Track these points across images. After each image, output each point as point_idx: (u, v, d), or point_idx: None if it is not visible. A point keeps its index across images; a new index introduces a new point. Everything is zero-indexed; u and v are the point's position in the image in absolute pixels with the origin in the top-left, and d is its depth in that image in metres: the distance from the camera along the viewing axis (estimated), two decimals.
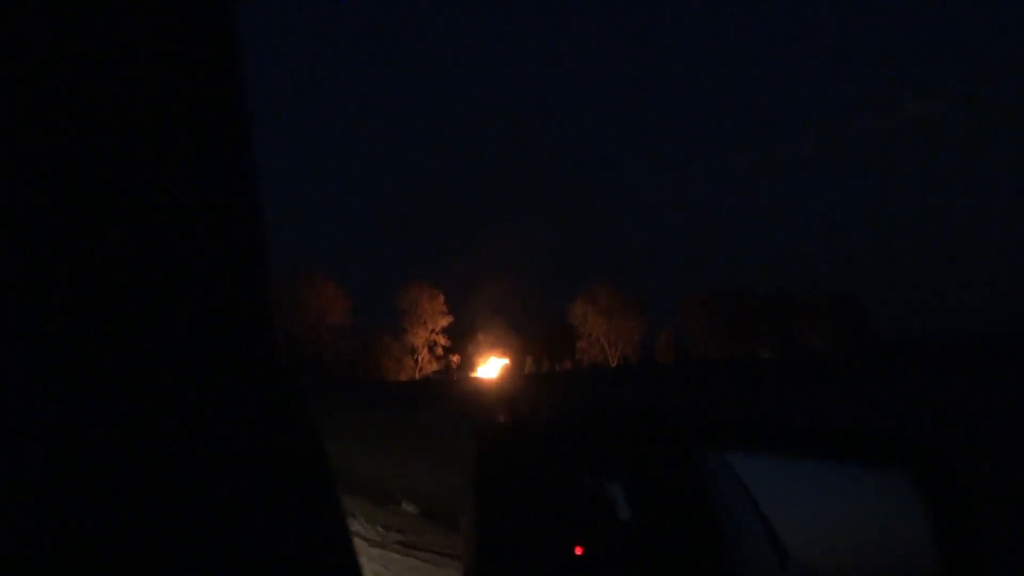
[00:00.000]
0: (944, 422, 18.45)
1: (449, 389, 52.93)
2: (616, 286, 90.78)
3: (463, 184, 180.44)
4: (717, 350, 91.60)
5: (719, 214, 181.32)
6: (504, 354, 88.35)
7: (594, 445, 1.72)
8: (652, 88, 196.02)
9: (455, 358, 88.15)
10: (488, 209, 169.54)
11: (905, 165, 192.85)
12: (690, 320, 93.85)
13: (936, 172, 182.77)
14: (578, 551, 1.56)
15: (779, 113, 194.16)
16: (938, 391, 30.64)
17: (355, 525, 9.02)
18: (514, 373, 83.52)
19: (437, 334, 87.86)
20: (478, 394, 45.64)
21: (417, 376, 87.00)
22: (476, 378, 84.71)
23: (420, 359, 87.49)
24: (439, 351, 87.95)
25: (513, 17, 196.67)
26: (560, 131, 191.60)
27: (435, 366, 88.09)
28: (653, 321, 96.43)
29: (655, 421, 1.79)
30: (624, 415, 1.87)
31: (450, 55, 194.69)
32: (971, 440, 13.44)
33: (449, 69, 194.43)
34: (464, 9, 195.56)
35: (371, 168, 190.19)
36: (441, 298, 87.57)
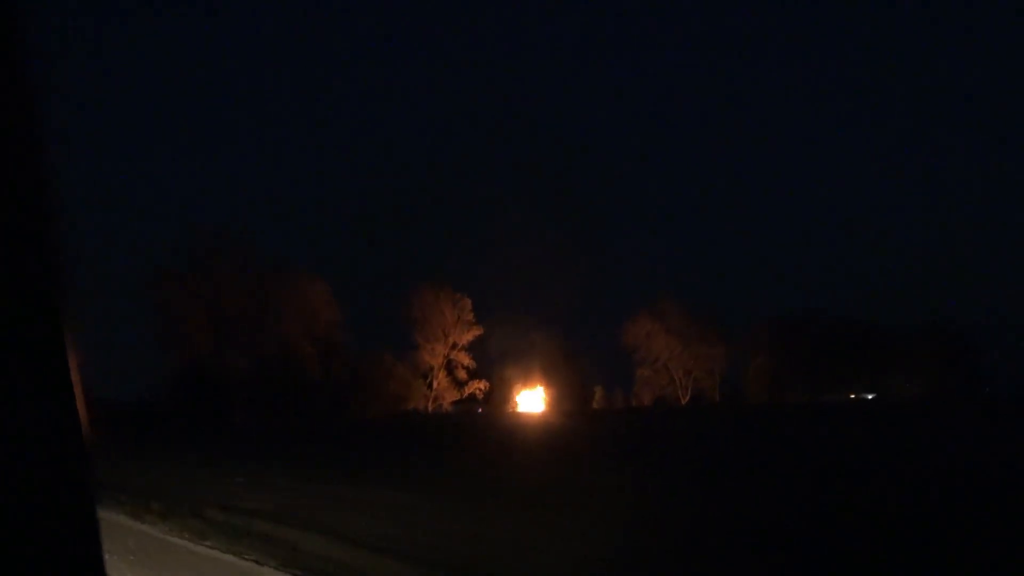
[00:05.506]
0: None
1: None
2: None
3: (478, 175, 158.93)
4: (798, 389, 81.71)
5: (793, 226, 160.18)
6: (542, 382, 76.36)
7: None
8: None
9: (481, 384, 75.49)
10: (508, 204, 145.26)
11: None
12: (762, 352, 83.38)
13: None
14: None
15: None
16: None
17: None
18: (572, 408, 71.78)
19: (460, 351, 75.31)
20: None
21: (430, 407, 74.35)
22: (518, 413, 72.69)
23: (436, 384, 74.77)
24: (461, 374, 75.35)
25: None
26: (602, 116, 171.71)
27: (454, 394, 75.34)
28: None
29: None
30: None
31: (458, 47, 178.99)
32: None
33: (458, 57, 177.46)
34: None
35: (365, 162, 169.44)
36: (468, 304, 74.90)
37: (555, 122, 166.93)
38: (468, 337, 74.61)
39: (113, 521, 13.64)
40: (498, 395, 76.10)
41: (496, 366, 76.19)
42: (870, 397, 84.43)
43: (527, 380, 75.97)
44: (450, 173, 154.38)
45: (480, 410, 74.29)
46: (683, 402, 78.42)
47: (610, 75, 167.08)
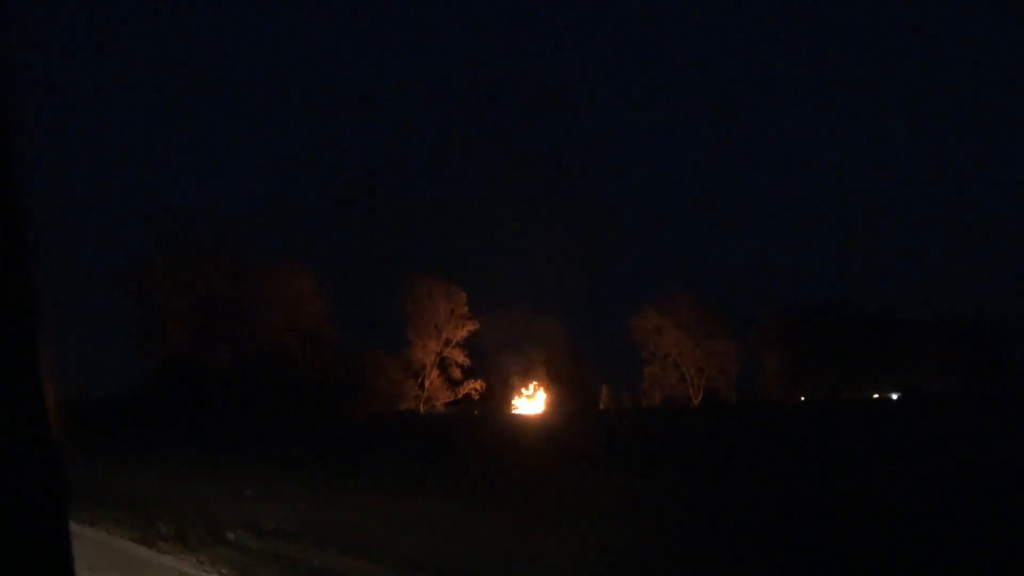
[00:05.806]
0: None
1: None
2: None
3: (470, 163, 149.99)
4: (817, 387, 78.91)
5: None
6: (541, 382, 72.81)
7: None
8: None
9: (477, 384, 71.79)
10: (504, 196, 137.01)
11: None
12: (777, 348, 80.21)
13: None
14: None
15: None
16: None
17: None
18: (577, 409, 68.40)
19: (454, 348, 71.61)
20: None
21: (422, 408, 70.63)
22: (518, 414, 69.24)
23: (428, 383, 71.04)
24: (456, 373, 71.66)
25: None
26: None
27: (448, 394, 71.58)
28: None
29: None
30: None
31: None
32: None
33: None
34: None
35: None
36: (462, 297, 71.30)
37: (557, 111, 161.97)
38: (462, 332, 71.17)
39: (121, 549, 10.66)
40: (495, 395, 72.64)
41: (493, 364, 72.71)
42: (895, 397, 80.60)
43: (527, 379, 72.57)
44: (445, 161, 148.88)
45: (476, 412, 70.72)
46: (695, 402, 75.45)
47: (614, 65, 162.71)
